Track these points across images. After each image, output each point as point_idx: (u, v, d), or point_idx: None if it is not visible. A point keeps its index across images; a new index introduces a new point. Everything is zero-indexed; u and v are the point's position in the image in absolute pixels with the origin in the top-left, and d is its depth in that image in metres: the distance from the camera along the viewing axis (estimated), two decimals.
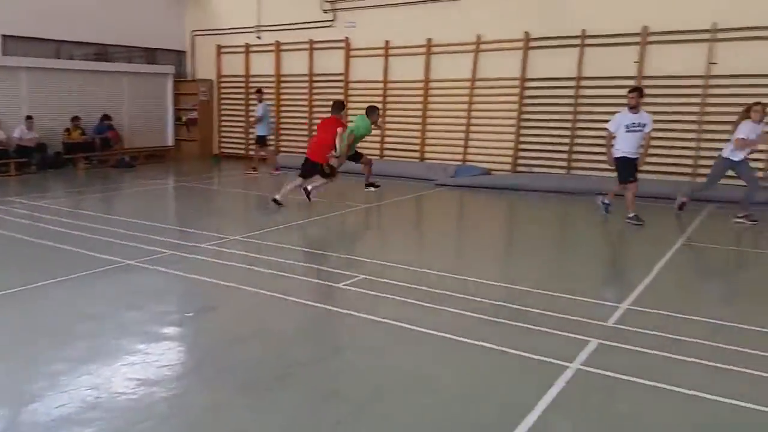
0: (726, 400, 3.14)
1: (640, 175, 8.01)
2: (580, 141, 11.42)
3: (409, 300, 4.69)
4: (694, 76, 10.21)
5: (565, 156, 11.56)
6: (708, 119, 10.23)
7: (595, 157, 11.10)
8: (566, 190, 10.58)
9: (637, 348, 3.82)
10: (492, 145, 12.30)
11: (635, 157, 7.79)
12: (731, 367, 3.53)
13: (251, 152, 14.41)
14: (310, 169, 8.75)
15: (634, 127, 7.67)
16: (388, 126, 13.40)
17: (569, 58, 11.34)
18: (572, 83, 11.36)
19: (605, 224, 8.25)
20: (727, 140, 8.09)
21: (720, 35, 9.98)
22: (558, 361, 3.57)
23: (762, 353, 3.72)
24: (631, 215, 7.79)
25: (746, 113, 7.81)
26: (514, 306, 4.58)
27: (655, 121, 10.45)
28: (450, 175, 11.82)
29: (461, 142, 12.63)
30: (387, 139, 13.83)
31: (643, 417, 3.01)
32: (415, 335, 4.01)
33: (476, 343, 3.86)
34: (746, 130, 7.66)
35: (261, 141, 13.15)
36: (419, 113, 13.23)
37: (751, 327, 4.20)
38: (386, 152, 13.84)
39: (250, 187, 11.62)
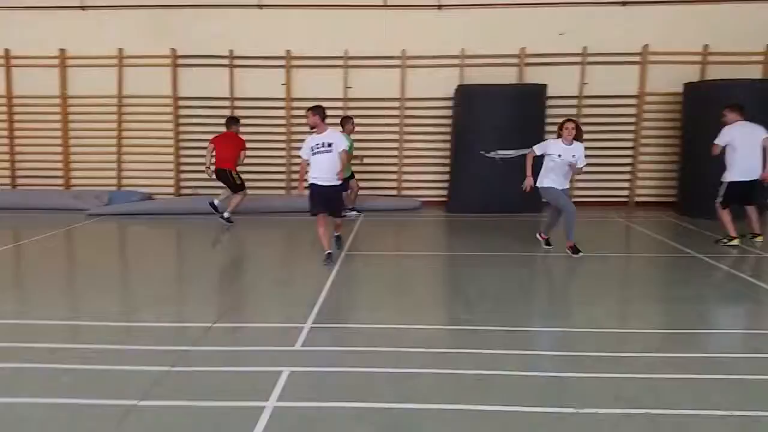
0: (411, 406, 3.40)
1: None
2: (253, 161, 11.52)
3: (26, 365, 3.92)
4: (334, 98, 11.25)
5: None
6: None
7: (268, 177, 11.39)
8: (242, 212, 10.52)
9: (329, 369, 3.90)
10: (151, 167, 11.50)
11: (330, 184, 6.71)
12: (414, 370, 3.86)
13: None
14: (222, 176, 9.32)
15: (319, 148, 6.68)
16: (18, 150, 11.43)
17: (220, 78, 11.34)
18: (227, 103, 11.38)
19: (271, 244, 8.44)
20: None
21: (350, 62, 11.20)
22: (253, 403, 3.39)
23: (400, 349, 4.19)
24: (328, 252, 6.77)
25: (559, 131, 7.04)
26: (191, 348, 4.24)
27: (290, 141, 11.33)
28: (104, 203, 10.61)
29: (114, 165, 11.48)
30: (18, 165, 11.75)
31: None
32: (34, 410, 3.32)
33: (146, 404, 3.42)
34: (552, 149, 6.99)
35: None
36: (58, 133, 11.56)
37: (415, 326, 4.73)
38: (19, 180, 11.74)
39: None
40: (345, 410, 3.34)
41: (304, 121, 10.84)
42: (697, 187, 10.13)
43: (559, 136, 7.03)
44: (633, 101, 11.06)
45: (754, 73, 10.60)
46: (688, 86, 10.41)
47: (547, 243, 7.57)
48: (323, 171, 6.72)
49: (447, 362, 3.99)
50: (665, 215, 10.26)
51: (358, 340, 4.42)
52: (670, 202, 10.80)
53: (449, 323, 4.96)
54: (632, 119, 11.11)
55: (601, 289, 6.05)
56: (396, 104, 11.27)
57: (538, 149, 7.17)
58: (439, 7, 11.02)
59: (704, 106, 9.92)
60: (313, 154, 6.75)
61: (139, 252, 8.38)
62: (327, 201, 6.83)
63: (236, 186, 9.34)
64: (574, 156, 6.92)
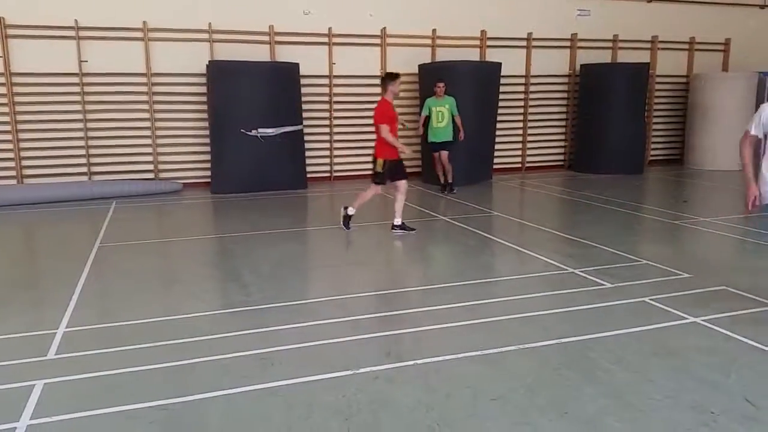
0: (192, 397, 3.26)
1: None
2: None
3: None
4: (65, 73, 9.98)
5: None
6: (90, 117, 10.23)
7: None
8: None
9: (92, 374, 3.52)
10: None
11: None
12: (192, 361, 3.69)
13: None
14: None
15: None
16: None
17: None
18: None
19: (14, 240, 7.25)
20: None
21: (83, 33, 10.00)
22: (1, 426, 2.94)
23: (174, 342, 4.05)
24: None
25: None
26: None
27: (33, 121, 9.90)
28: None
29: None
30: None
31: None
32: None
33: None
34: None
35: None
36: None
37: (189, 315, 4.51)
38: None
39: None
40: (116, 415, 3.07)
41: (21, 99, 9.71)
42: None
43: None
44: (377, 81, 11.80)
45: (474, 55, 12.12)
46: (422, 66, 11.49)
47: None
48: None
49: (227, 347, 3.91)
50: (414, 185, 11.24)
51: (124, 338, 4.07)
52: (417, 172, 11.88)
53: (225, 307, 4.83)
54: (378, 98, 11.84)
55: (367, 255, 6.46)
56: (142, 80, 10.40)
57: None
58: None
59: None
60: None
61: None
62: None
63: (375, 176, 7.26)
64: None
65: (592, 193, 9.84)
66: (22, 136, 9.93)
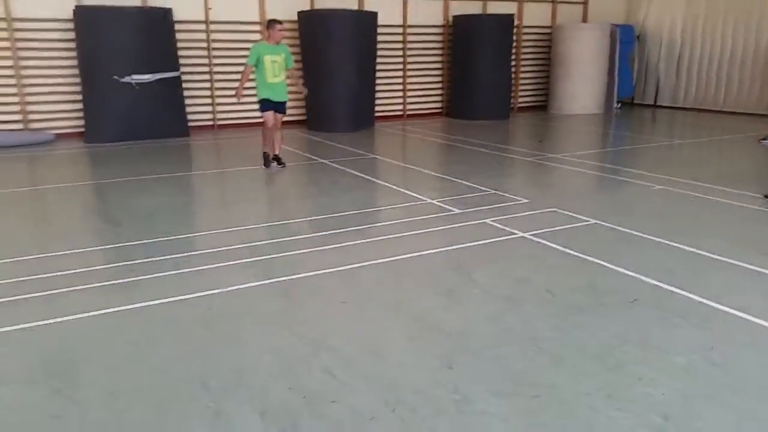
0: (63, 319, 3.51)
1: None
2: None
3: None
4: None
5: None
6: None
7: None
8: None
9: None
10: None
11: None
12: (63, 290, 3.90)
13: None
14: None
15: None
16: None
17: None
18: None
19: None
20: None
21: None
22: None
23: (44, 276, 4.25)
24: None
25: None
26: None
27: None
28: None
29: None
30: None
31: None
32: None
33: None
34: None
35: None
36: None
37: (58, 253, 4.65)
38: None
39: None
40: None
41: None
42: (318, 106, 11.62)
43: None
44: (257, 27, 11.78)
45: (352, 3, 12.36)
46: (302, 14, 11.59)
47: None
48: None
49: (93, 277, 4.14)
50: (299, 131, 11.52)
51: None
52: (302, 120, 12.11)
53: (97, 245, 5.00)
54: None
55: (244, 195, 6.75)
56: (2, 25, 9.77)
57: None
58: None
59: (314, 32, 11.27)
60: None
61: None
62: None
63: None
64: None
65: (463, 137, 10.60)
66: None
